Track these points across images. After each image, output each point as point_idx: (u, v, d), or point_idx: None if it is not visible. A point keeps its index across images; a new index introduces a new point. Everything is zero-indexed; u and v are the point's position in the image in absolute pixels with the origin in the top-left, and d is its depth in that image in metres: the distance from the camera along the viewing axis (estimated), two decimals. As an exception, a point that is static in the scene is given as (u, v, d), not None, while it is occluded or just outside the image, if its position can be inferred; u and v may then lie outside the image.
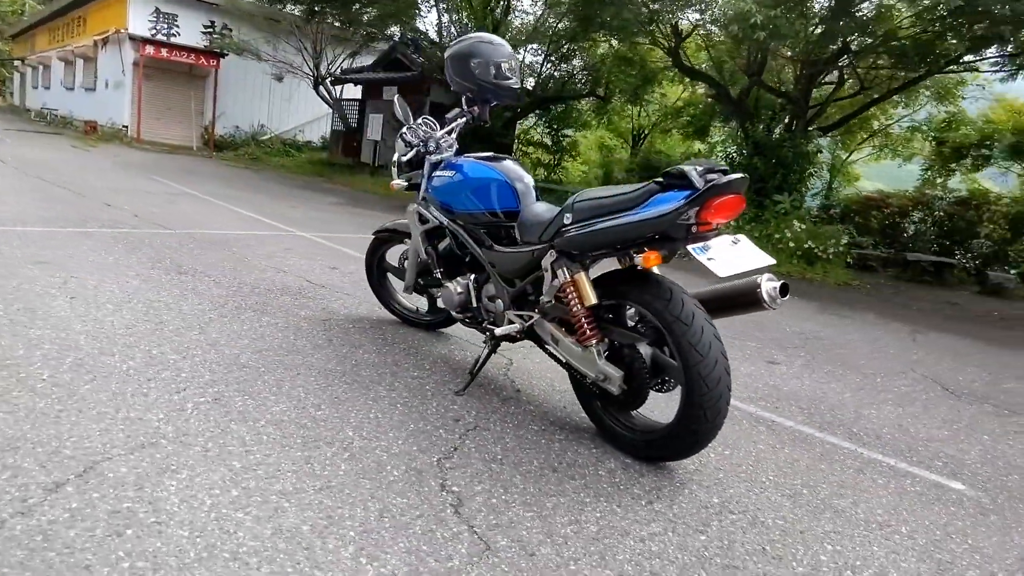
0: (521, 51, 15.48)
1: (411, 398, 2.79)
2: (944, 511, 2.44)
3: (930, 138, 15.46)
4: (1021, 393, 4.25)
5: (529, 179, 2.91)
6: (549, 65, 15.10)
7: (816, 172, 11.47)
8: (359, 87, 17.37)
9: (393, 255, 3.82)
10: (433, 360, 3.32)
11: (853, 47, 9.61)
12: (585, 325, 2.43)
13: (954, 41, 9.66)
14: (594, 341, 2.42)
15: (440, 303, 3.40)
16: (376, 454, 2.28)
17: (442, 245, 3.23)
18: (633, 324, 2.45)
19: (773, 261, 2.24)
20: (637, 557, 1.89)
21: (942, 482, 2.69)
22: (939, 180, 14.43)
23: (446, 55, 3.28)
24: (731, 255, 2.15)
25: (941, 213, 11.72)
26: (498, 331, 2.79)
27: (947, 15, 8.58)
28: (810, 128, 10.93)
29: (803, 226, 9.62)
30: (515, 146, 17.11)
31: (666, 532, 2.04)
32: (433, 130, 3.34)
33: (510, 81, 3.20)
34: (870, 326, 6.14)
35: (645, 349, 2.35)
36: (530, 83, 15.26)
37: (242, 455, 2.14)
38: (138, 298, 3.66)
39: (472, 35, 3.32)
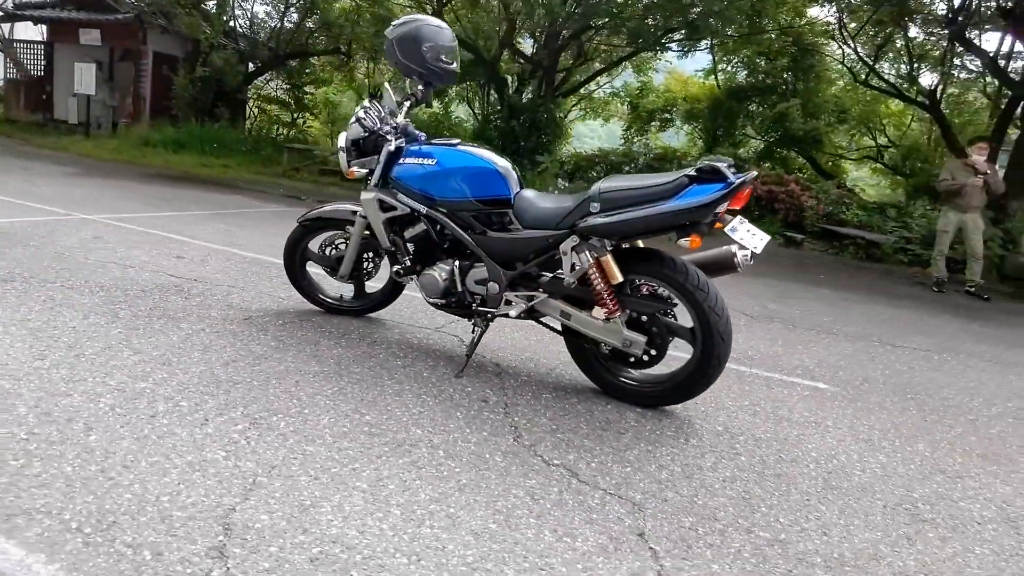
0: (254, 4, 14.10)
1: (425, 387, 2.79)
2: (830, 404, 3.29)
3: (626, 103, 18.11)
4: (789, 312, 5.59)
5: (511, 166, 3.04)
6: (287, 21, 13.99)
7: (561, 133, 12.76)
8: (41, 27, 14.01)
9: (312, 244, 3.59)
10: (400, 347, 3.28)
11: (594, 24, 10.93)
12: (609, 301, 2.73)
13: (660, 22, 11.55)
14: (618, 314, 2.74)
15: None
16: (461, 445, 2.32)
17: (412, 232, 3.17)
18: (646, 295, 2.81)
19: (769, 237, 2.79)
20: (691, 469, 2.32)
21: (817, 386, 3.59)
22: (638, 139, 17.05)
23: (392, 35, 3.17)
24: (748, 233, 2.64)
25: (645, 166, 13.91)
26: (512, 312, 2.92)
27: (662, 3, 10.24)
28: (557, 95, 12.12)
29: (565, 183, 10.78)
30: (251, 103, 15.65)
31: (704, 454, 2.49)
32: (384, 115, 3.22)
33: (453, 66, 3.24)
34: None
35: (662, 316, 2.74)
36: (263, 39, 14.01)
37: (353, 473, 2.04)
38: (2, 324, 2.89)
39: (416, 16, 3.25)
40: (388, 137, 3.17)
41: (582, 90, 18.92)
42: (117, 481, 1.83)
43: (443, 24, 3.26)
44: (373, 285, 3.68)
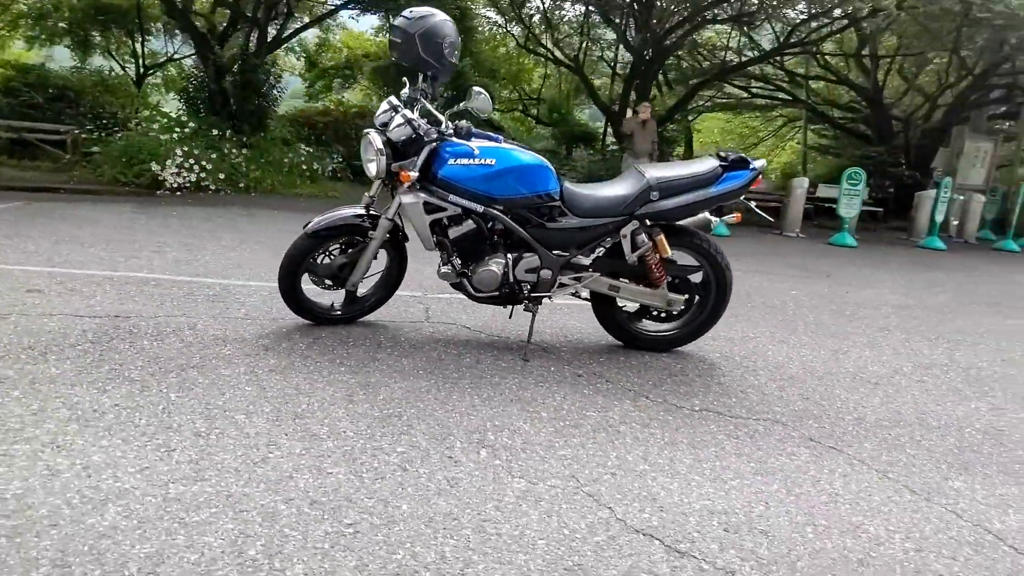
0: None
1: (500, 382, 2.94)
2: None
3: (303, 57, 17.31)
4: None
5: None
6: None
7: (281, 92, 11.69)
8: None
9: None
10: (433, 345, 3.28)
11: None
12: (658, 272, 3.27)
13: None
14: (664, 281, 3.31)
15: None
16: (610, 424, 2.64)
17: (459, 232, 3.16)
18: (679, 263, 3.40)
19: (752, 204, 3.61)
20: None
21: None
22: (331, 95, 16.59)
23: (415, 30, 3.05)
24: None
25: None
26: (561, 294, 3.28)
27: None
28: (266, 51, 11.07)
29: (306, 149, 10.24)
30: None
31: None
32: (414, 113, 3.10)
33: (455, 60, 3.26)
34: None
35: (695, 277, 3.40)
36: None
37: (638, 442, 2.29)
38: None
39: (432, 11, 3.14)
40: (426, 138, 3.08)
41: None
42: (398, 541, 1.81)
43: (447, 17, 3.21)
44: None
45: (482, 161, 3.09)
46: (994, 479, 2.38)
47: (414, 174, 3.04)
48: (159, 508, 1.76)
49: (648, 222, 3.23)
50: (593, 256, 3.30)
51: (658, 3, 12.55)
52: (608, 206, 3.21)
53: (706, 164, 3.27)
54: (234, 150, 9.49)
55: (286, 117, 12.57)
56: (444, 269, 3.27)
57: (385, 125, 3.15)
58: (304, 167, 10.31)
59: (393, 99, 3.21)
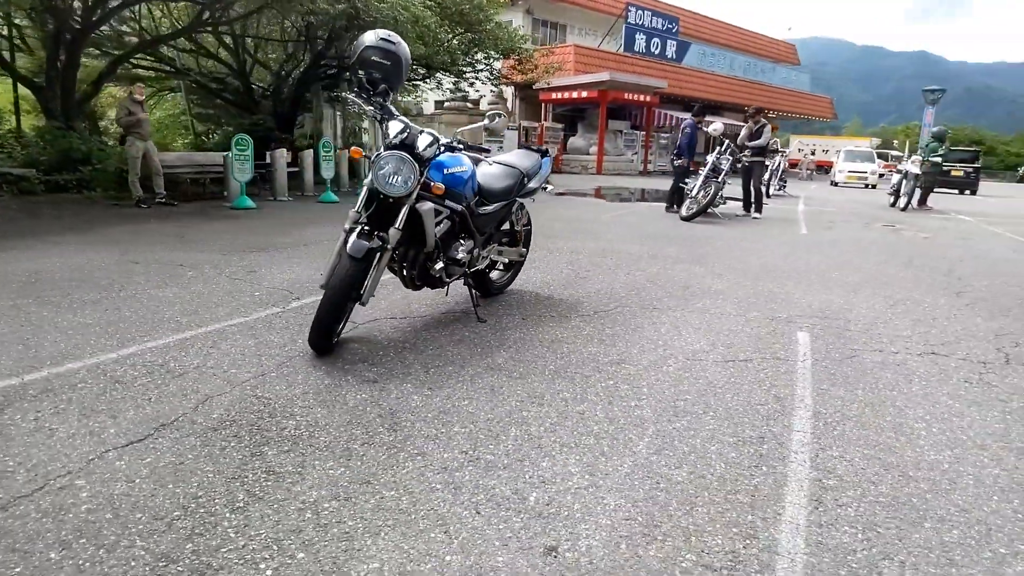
0: None
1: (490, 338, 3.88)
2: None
3: None
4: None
5: None
6: None
7: None
8: None
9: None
10: (443, 331, 3.64)
11: None
12: (520, 234, 4.49)
13: None
14: (521, 240, 4.54)
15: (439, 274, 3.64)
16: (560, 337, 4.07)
17: (441, 231, 3.53)
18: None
19: None
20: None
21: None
22: None
23: (403, 56, 3.30)
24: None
25: None
26: (494, 259, 4.13)
27: None
28: None
29: None
30: None
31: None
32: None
33: None
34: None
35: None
36: None
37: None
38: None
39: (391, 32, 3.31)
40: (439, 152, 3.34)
41: None
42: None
43: None
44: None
45: (463, 168, 3.59)
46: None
47: (442, 185, 3.31)
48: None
49: (519, 200, 4.36)
50: (496, 231, 4.22)
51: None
52: (506, 192, 4.17)
53: (534, 155, 4.57)
54: None
55: None
56: (439, 267, 3.58)
57: (409, 145, 3.20)
58: None
59: (404, 119, 3.23)
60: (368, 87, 3.33)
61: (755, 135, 10.79)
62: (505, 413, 2.64)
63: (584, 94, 22.58)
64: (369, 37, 3.29)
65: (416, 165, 3.19)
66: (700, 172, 10.24)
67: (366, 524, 1.86)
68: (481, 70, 15.96)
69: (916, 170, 13.56)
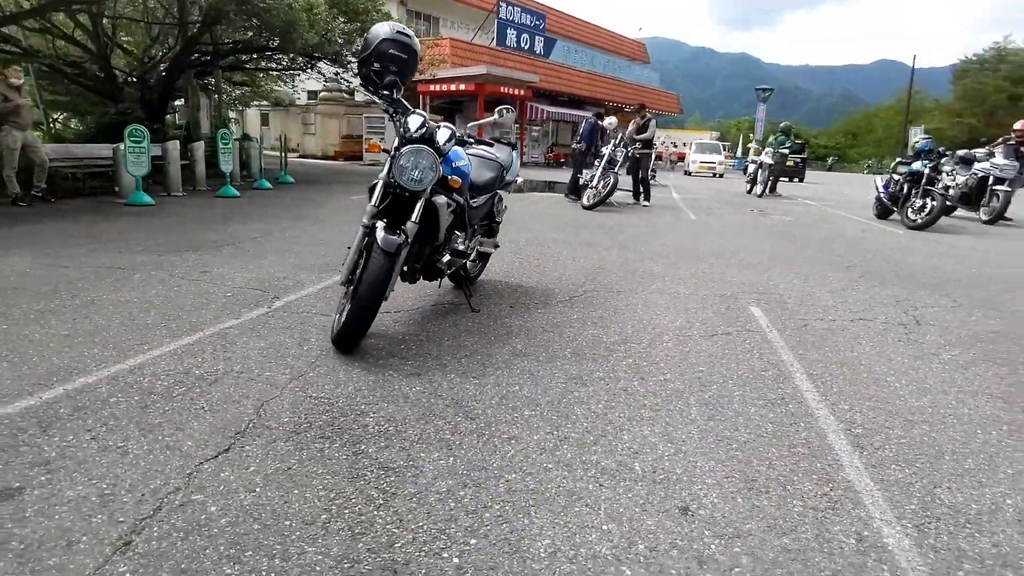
0: None
1: (493, 325, 3.98)
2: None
3: None
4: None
5: None
6: None
7: None
8: None
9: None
10: (439, 322, 3.65)
11: None
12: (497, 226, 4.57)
13: None
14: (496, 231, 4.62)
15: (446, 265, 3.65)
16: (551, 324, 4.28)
17: (448, 223, 3.53)
18: None
19: None
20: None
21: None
22: None
23: (416, 49, 3.27)
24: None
25: None
26: (481, 250, 4.17)
27: None
28: None
29: None
30: None
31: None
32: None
33: None
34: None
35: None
36: None
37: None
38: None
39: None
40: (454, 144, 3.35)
41: None
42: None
43: None
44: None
45: (465, 162, 3.61)
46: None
47: (458, 179, 3.33)
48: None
49: (499, 192, 4.43)
50: (482, 223, 4.26)
51: None
52: (490, 184, 4.21)
53: (506, 147, 4.63)
54: None
55: None
56: (447, 259, 3.58)
57: (429, 139, 3.17)
58: None
59: (422, 112, 3.16)
60: (375, 80, 3.25)
61: (642, 129, 11.50)
62: (559, 395, 2.77)
63: (462, 87, 22.60)
64: (384, 29, 3.20)
65: (439, 160, 3.19)
66: (597, 164, 10.76)
67: (512, 506, 1.92)
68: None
69: (770, 161, 15.13)
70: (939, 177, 9.86)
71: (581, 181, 10.92)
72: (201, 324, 3.48)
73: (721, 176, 26.41)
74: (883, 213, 11.09)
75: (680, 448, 2.34)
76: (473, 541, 1.75)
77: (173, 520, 1.76)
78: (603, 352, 3.36)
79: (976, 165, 11.63)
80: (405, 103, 3.31)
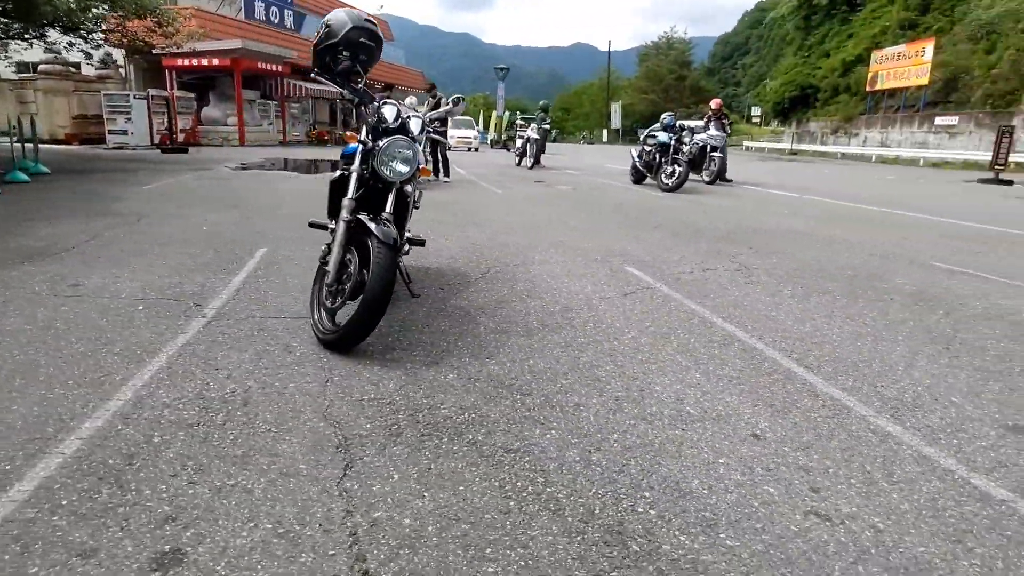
0: None
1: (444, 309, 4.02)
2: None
3: None
4: None
5: None
6: None
7: None
8: None
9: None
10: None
11: None
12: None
13: None
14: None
15: None
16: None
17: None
18: None
19: None
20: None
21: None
22: None
23: (382, 34, 3.10)
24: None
25: None
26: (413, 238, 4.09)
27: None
28: None
29: None
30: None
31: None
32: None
33: None
34: None
35: None
36: None
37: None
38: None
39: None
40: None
41: None
42: (643, 304, 4.07)
43: None
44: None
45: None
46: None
47: (429, 168, 3.26)
48: (706, 351, 3.20)
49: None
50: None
51: None
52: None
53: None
54: None
55: None
56: (406, 248, 3.48)
57: (403, 128, 3.04)
58: None
59: (393, 102, 3.00)
60: (332, 67, 3.02)
61: (435, 108, 11.67)
62: (569, 362, 2.99)
63: (215, 62, 20.08)
64: (352, 17, 2.96)
65: (419, 150, 3.10)
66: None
67: (644, 460, 2.14)
68: (110, 30, 12.92)
69: (536, 136, 16.42)
70: (682, 147, 11.82)
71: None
72: (151, 344, 2.94)
73: (476, 150, 27.69)
74: (638, 179, 12.93)
75: (702, 389, 2.76)
76: (648, 494, 1.95)
77: (388, 541, 1.65)
78: (561, 320, 3.64)
79: (695, 136, 14.12)
80: (370, 92, 3.13)
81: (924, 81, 30.07)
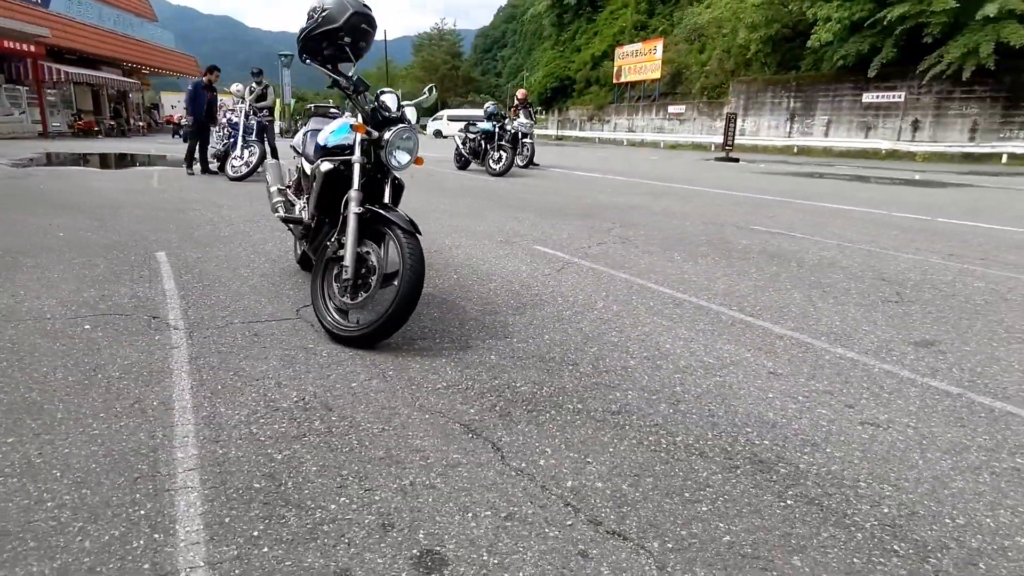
0: None
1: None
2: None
3: None
4: None
5: None
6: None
7: None
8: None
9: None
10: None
11: None
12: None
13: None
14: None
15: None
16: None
17: None
18: None
19: None
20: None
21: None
22: None
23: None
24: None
25: None
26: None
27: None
28: None
29: None
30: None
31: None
32: None
33: None
34: None
35: None
36: None
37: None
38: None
39: None
40: None
41: None
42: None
43: None
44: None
45: None
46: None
47: (422, 156, 3.15)
48: (674, 311, 3.61)
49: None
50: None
51: None
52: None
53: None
54: None
55: None
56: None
57: (403, 118, 2.87)
58: None
59: (390, 90, 2.81)
60: (324, 54, 2.76)
61: (262, 97, 10.60)
62: (586, 335, 3.16)
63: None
64: (351, 3, 2.68)
65: (418, 139, 2.99)
66: (214, 132, 9.58)
67: (726, 400, 2.43)
68: None
69: (512, 128, 15.72)
70: (505, 134, 12.32)
71: (212, 152, 9.55)
72: (150, 362, 2.43)
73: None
74: (463, 165, 13.19)
75: (699, 343, 3.12)
76: (748, 429, 2.24)
77: (604, 504, 1.70)
78: (531, 298, 3.77)
79: (506, 124, 14.79)
80: (365, 82, 2.90)
81: (657, 75, 34.69)
